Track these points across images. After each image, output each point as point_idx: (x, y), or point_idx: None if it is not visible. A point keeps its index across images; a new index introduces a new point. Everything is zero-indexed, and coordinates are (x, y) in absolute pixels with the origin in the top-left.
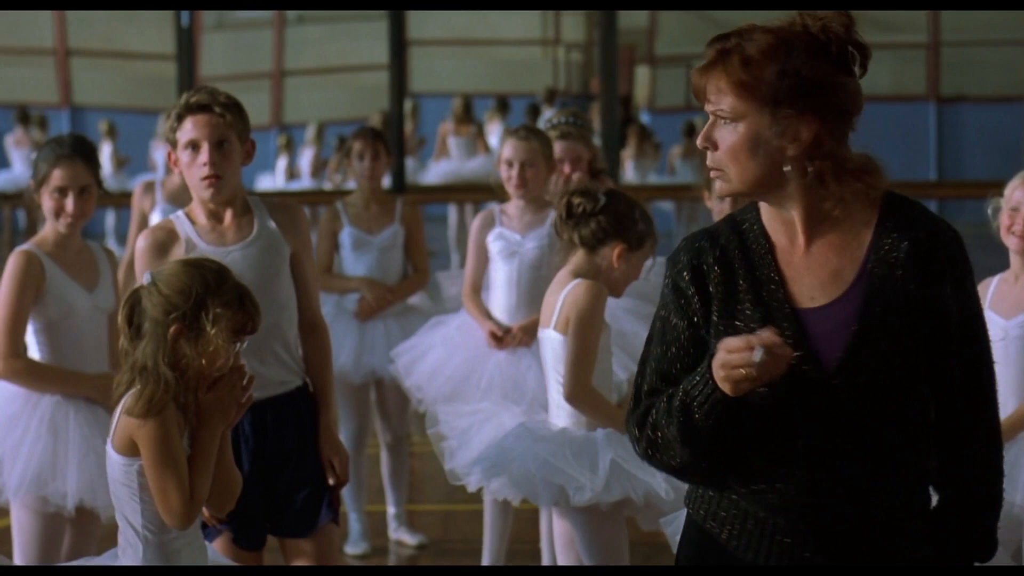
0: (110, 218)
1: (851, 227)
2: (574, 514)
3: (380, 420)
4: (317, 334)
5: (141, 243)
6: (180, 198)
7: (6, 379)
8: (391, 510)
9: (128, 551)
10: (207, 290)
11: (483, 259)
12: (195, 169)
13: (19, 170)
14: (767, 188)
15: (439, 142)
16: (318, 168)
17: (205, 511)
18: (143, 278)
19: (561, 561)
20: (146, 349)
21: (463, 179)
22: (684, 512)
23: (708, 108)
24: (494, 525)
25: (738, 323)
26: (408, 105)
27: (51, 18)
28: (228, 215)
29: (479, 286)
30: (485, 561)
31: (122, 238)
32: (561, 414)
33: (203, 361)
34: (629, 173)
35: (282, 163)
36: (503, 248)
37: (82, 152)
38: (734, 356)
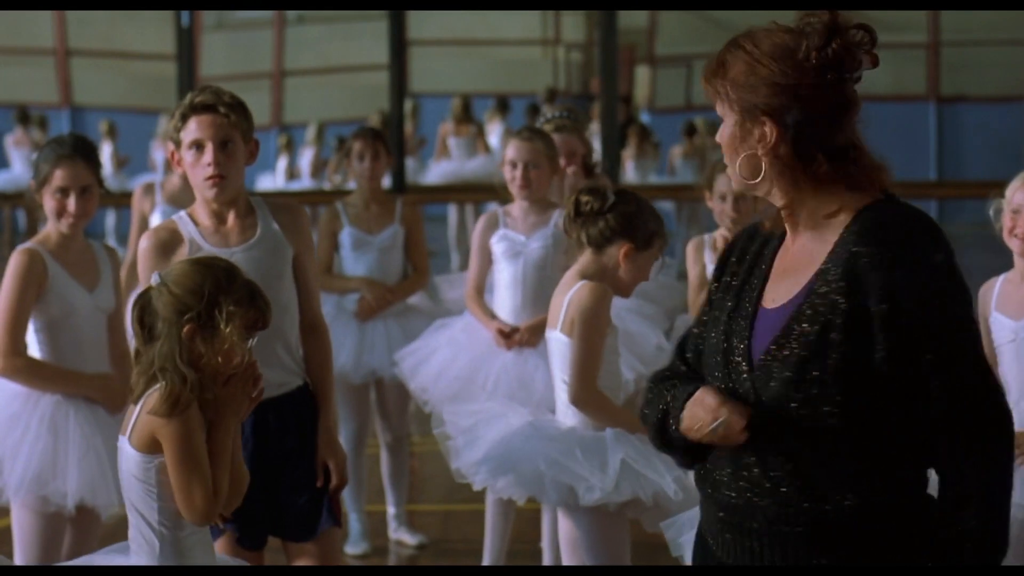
0: (110, 218)
1: (824, 232)
2: (579, 514)
3: (380, 420)
4: (317, 335)
5: (144, 243)
6: (180, 199)
7: (6, 376)
8: (391, 510)
9: (144, 547)
10: (219, 288)
11: (486, 261)
12: (199, 169)
13: (19, 170)
14: (755, 187)
15: (439, 143)
16: (318, 168)
17: None
18: (151, 279)
19: (566, 563)
20: (162, 350)
21: (463, 179)
22: (685, 515)
23: None
24: (495, 525)
25: (715, 312)
26: (408, 105)
27: (51, 18)
28: (231, 216)
29: (483, 288)
30: (486, 561)
31: (122, 238)
32: (569, 414)
33: (219, 359)
34: (630, 173)
35: (282, 163)
36: (507, 249)
37: (83, 152)
38: (699, 414)
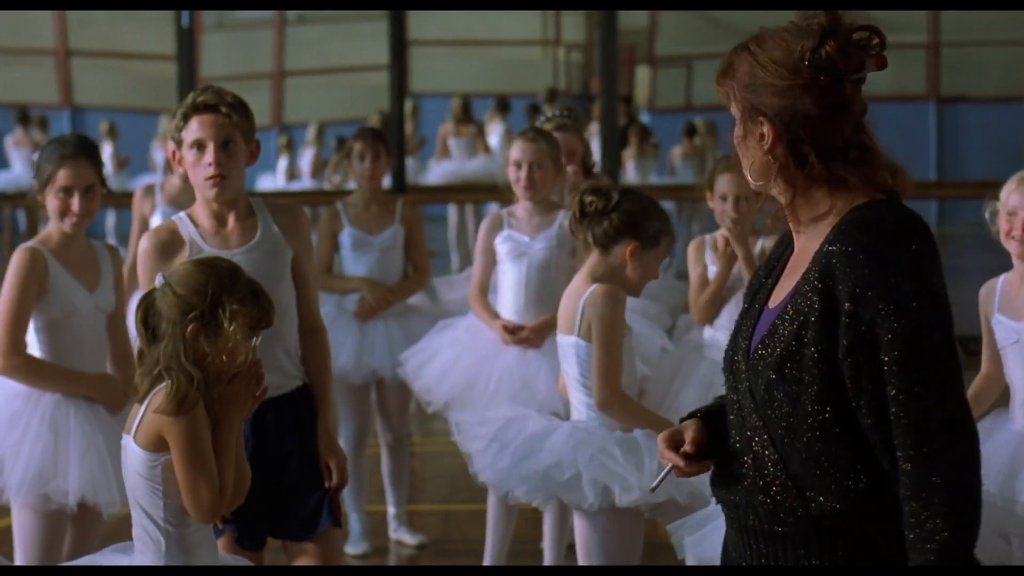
0: (110, 218)
1: (818, 232)
2: (597, 516)
3: (381, 420)
4: (316, 336)
5: (144, 244)
6: (180, 200)
7: (6, 375)
8: (391, 510)
9: (149, 545)
10: (222, 288)
11: (490, 262)
12: (200, 169)
13: (19, 170)
14: (764, 186)
15: (440, 143)
16: (318, 168)
17: None
18: (155, 280)
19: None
20: (167, 349)
21: (463, 179)
22: (694, 516)
23: None
24: (497, 526)
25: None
26: (408, 105)
27: (51, 18)
28: (232, 218)
29: (486, 288)
30: (486, 561)
31: (122, 238)
32: (590, 417)
33: (223, 357)
34: (630, 174)
35: (283, 163)
36: (511, 250)
37: (86, 151)
38: (664, 450)
